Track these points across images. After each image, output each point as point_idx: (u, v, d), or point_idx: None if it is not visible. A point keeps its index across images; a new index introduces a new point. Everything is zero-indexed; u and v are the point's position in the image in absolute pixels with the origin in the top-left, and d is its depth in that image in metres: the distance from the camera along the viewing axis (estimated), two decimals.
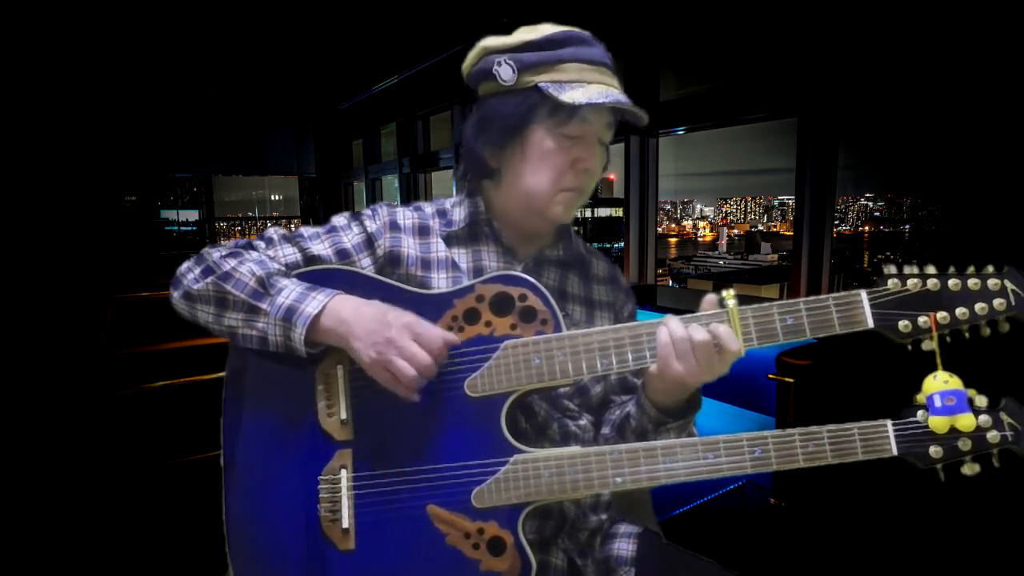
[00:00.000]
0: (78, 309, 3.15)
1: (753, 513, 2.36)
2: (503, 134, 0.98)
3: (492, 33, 1.01)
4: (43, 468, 2.74)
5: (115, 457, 2.80)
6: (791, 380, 2.25)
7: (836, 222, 2.76)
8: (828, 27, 2.67)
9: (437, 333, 0.86)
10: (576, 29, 0.98)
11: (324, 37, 5.30)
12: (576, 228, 1.12)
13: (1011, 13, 2.04)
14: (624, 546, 1.04)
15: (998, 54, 2.10)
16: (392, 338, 0.84)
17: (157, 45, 5.42)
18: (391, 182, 7.33)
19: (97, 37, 5.09)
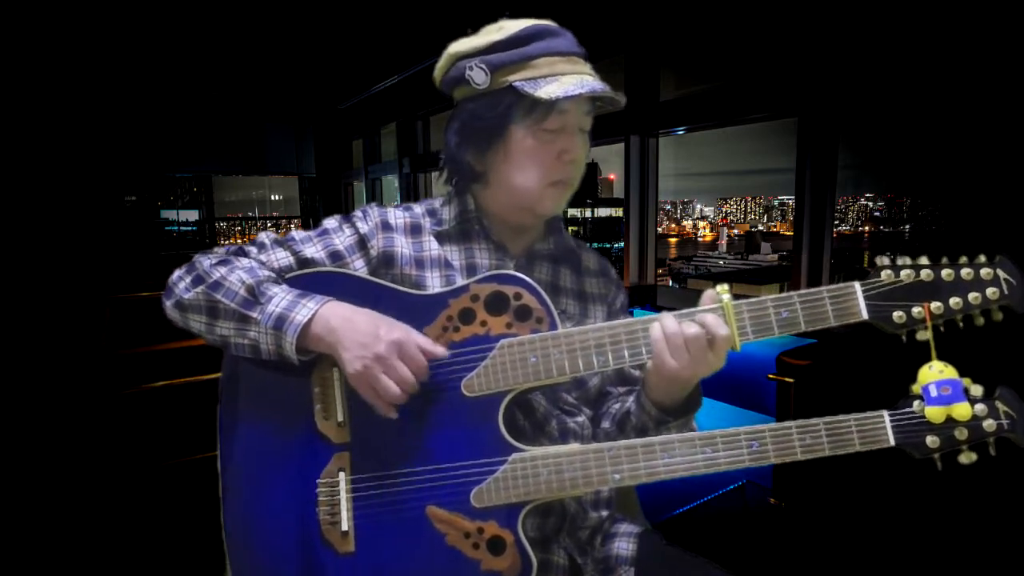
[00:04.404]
0: (78, 309, 3.15)
1: (753, 513, 2.37)
2: (484, 138, 0.99)
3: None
4: (42, 468, 2.74)
5: (115, 457, 2.80)
6: (791, 380, 2.25)
7: (836, 222, 2.76)
8: (828, 27, 2.67)
9: (422, 357, 0.86)
10: (541, 22, 0.97)
11: (324, 37, 5.29)
12: (576, 228, 1.12)
13: (1011, 13, 2.04)
14: (624, 545, 1.04)
15: (998, 54, 2.10)
16: (381, 355, 0.84)
17: (157, 45, 5.42)
18: (391, 182, 7.33)
19: (97, 37, 5.08)
